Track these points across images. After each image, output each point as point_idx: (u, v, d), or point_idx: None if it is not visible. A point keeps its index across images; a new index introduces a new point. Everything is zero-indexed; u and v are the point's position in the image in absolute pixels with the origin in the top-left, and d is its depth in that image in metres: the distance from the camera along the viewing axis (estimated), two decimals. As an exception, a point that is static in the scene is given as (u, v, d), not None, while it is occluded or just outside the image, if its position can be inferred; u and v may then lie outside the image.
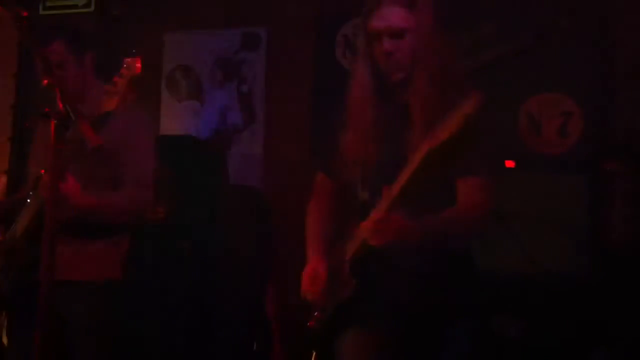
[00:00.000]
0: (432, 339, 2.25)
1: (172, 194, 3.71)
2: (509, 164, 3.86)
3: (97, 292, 2.71)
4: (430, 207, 2.14)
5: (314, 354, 2.40)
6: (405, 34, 2.21)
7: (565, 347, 3.38)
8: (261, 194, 4.51)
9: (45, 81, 2.66)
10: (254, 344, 3.83)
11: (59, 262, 2.15)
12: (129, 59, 2.44)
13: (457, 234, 2.22)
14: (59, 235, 2.11)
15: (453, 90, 2.14)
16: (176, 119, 4.84)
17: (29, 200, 2.66)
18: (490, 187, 2.22)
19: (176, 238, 3.79)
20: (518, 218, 3.60)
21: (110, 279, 2.75)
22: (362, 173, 2.32)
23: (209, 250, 3.91)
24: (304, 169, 4.40)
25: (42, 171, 2.63)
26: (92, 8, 4.98)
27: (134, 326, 3.00)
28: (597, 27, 4.01)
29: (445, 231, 2.18)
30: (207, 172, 4.17)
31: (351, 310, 2.29)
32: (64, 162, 2.30)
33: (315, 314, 2.39)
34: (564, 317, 3.43)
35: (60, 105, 2.07)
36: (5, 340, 2.86)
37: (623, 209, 3.67)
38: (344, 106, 2.39)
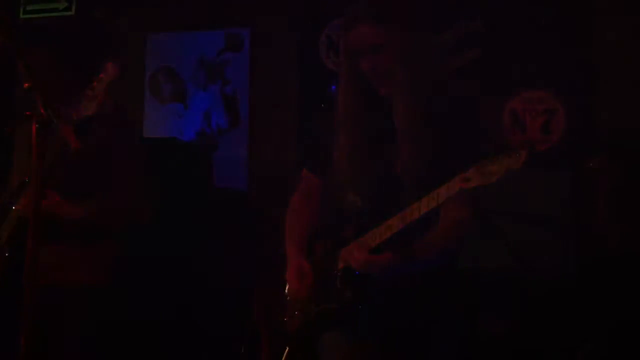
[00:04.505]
0: (417, 339, 2.26)
1: (156, 197, 3.69)
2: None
3: (83, 296, 2.69)
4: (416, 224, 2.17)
5: (287, 349, 2.40)
6: (382, 49, 2.24)
7: (550, 346, 3.39)
8: (246, 196, 4.50)
9: (26, 85, 2.66)
10: (242, 347, 3.82)
11: (45, 267, 2.13)
12: (106, 63, 2.43)
13: (440, 251, 2.26)
14: (45, 241, 2.09)
15: (436, 96, 2.23)
16: (160, 121, 4.83)
17: (13, 207, 2.64)
18: (474, 201, 2.25)
19: (161, 241, 3.77)
20: (502, 216, 3.61)
21: (96, 284, 2.73)
22: (353, 179, 2.34)
23: (194, 253, 3.90)
24: (289, 170, 4.41)
25: (26, 178, 2.61)
26: (73, 11, 4.95)
27: (119, 330, 2.99)
28: (580, 24, 4.03)
29: (429, 253, 2.22)
30: (192, 175, 4.16)
31: (335, 315, 2.30)
32: (47, 167, 2.28)
33: (296, 312, 2.39)
34: (548, 316, 3.45)
35: (42, 109, 2.06)
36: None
37: (606, 205, 3.70)
38: (332, 115, 2.41)
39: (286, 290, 2.44)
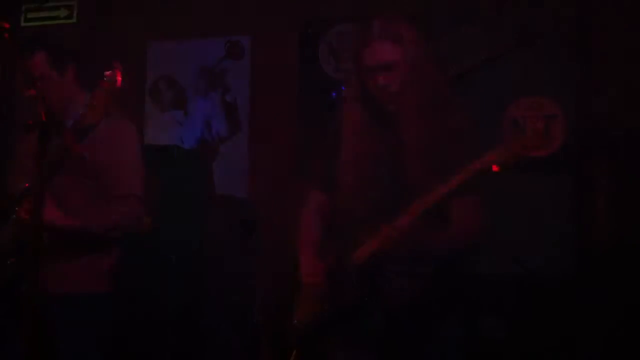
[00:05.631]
0: (420, 342, 2.28)
1: (158, 204, 3.70)
2: (494, 168, 3.89)
3: (85, 304, 2.69)
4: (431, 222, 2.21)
5: (295, 351, 2.42)
6: (395, 67, 2.29)
7: (550, 346, 3.40)
8: (246, 203, 4.51)
9: (28, 93, 2.68)
10: (242, 347, 3.83)
11: (47, 276, 2.13)
12: (108, 71, 2.44)
13: (451, 250, 2.32)
14: (47, 249, 2.09)
15: (443, 111, 2.29)
16: (160, 128, 4.83)
17: (14, 215, 2.65)
18: (484, 205, 2.28)
19: (163, 248, 3.77)
20: (503, 219, 3.61)
21: (98, 291, 2.73)
22: (360, 194, 2.36)
23: (196, 260, 3.90)
24: (289, 178, 4.42)
25: (26, 185, 2.62)
26: (74, 19, 4.97)
27: (120, 331, 3.00)
28: (578, 29, 4.04)
29: (442, 247, 2.29)
30: (193, 182, 4.16)
31: (344, 315, 2.32)
32: (47, 175, 2.29)
33: (307, 313, 2.41)
34: (548, 316, 3.46)
35: (44, 117, 2.07)
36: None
37: (606, 209, 3.70)
38: (336, 132, 2.45)
39: (301, 291, 2.46)
